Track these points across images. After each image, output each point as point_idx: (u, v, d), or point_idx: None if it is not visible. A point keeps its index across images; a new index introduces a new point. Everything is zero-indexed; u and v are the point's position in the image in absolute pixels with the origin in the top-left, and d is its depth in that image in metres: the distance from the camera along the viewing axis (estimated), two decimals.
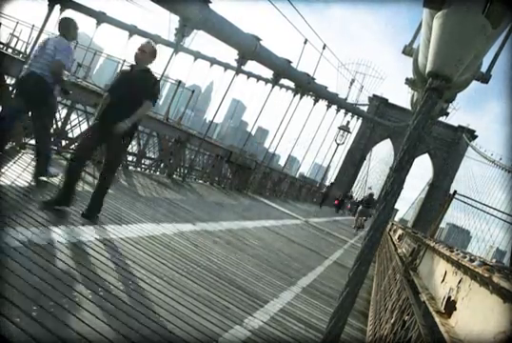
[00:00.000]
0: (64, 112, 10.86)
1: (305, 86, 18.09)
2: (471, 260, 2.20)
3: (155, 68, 4.70)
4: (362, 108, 40.16)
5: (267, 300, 3.94)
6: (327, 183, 34.57)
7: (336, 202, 29.88)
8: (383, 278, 6.07)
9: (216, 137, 40.31)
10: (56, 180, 4.98)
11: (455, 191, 8.72)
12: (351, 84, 31.95)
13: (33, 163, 5.14)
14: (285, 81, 18.02)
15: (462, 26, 1.82)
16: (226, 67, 31.14)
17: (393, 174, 1.86)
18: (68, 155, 8.42)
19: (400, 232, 9.39)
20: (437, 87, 1.86)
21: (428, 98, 1.89)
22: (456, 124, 43.76)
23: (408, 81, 3.67)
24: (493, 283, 1.66)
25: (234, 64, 13.84)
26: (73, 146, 10.31)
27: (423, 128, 1.87)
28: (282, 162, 40.99)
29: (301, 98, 18.89)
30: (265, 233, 8.01)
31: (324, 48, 18.00)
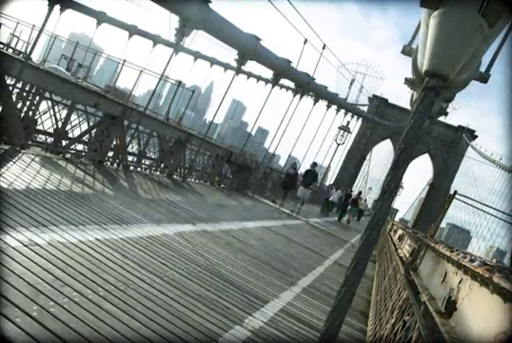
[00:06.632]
0: (64, 113, 10.89)
1: (305, 86, 18.07)
2: (471, 260, 2.19)
3: (156, 68, 4.74)
4: (362, 108, 40.09)
5: (267, 300, 3.94)
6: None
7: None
8: (383, 278, 6.06)
9: (216, 137, 40.26)
10: None
11: (455, 192, 8.70)
12: (351, 84, 31.99)
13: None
14: (285, 81, 18.00)
15: (458, 25, 1.82)
16: (226, 67, 31.09)
17: (390, 173, 1.86)
18: (68, 155, 8.42)
19: (400, 232, 9.37)
20: (434, 86, 1.85)
21: (425, 97, 1.89)
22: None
23: (407, 81, 3.66)
24: (493, 283, 1.65)
25: (234, 64, 13.83)
26: (74, 146, 10.34)
27: (419, 127, 1.86)
28: (282, 162, 40.89)
29: (301, 98, 18.86)
30: (265, 234, 8.01)
31: (323, 48, 17.99)
